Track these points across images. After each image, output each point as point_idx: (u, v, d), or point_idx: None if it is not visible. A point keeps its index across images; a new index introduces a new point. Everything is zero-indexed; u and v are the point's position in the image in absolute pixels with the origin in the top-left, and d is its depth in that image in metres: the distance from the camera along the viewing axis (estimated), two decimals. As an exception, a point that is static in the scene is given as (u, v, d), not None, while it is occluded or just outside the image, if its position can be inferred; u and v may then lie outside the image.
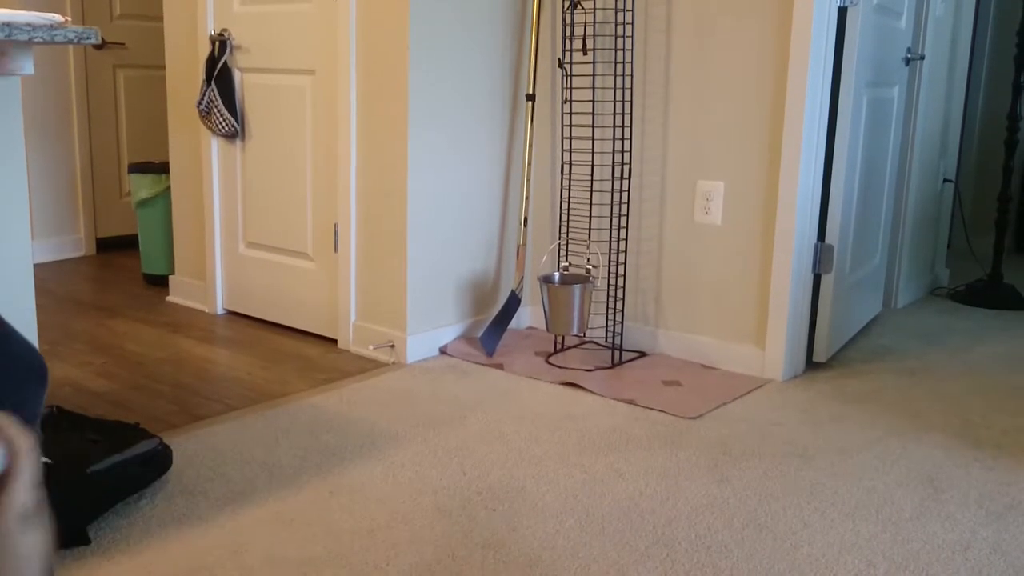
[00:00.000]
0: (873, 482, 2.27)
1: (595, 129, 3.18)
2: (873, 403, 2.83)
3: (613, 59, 3.11)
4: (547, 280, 3.18)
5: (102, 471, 1.98)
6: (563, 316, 3.09)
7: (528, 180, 3.39)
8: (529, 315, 3.58)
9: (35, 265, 2.37)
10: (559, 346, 3.28)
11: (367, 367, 3.09)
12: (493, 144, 3.36)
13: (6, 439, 0.73)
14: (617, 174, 3.16)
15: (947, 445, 2.51)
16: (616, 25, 3.09)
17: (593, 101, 3.15)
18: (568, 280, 3.18)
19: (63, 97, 4.54)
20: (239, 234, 3.60)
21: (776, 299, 2.98)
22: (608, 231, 3.17)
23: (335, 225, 3.27)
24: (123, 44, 4.75)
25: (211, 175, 3.63)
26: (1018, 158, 4.26)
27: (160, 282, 4.07)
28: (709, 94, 3.05)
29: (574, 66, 3.20)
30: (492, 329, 3.24)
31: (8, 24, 1.95)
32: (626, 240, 3.22)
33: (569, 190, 3.27)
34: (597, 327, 3.23)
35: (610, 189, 3.16)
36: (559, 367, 3.08)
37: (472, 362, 3.13)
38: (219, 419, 2.59)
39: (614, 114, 3.10)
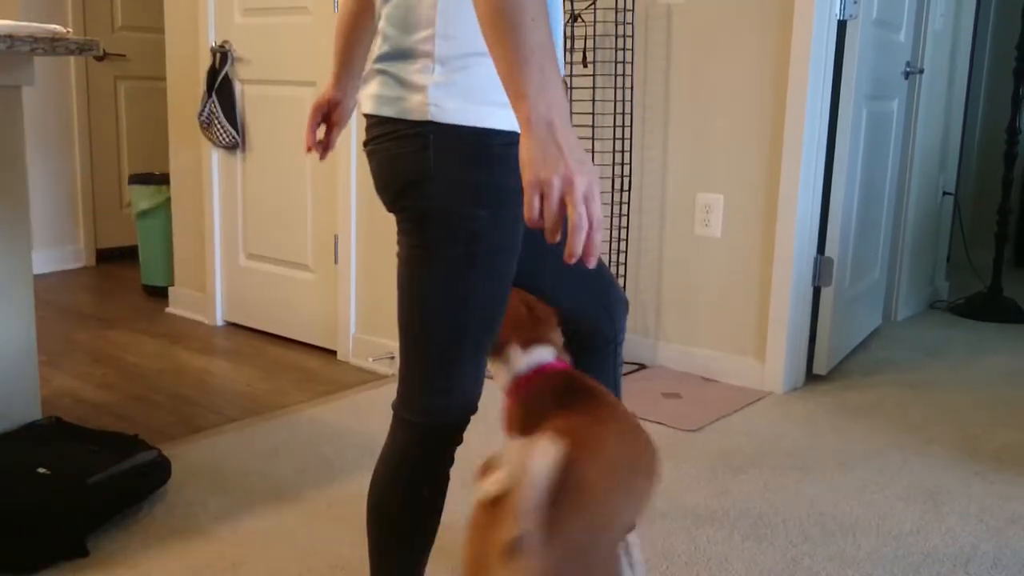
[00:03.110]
0: (873, 495, 2.26)
1: (595, 141, 3.19)
2: (873, 416, 2.82)
3: (613, 72, 3.12)
4: (547, 292, 3.17)
5: (101, 482, 1.98)
6: (563, 328, 3.09)
7: (528, 192, 3.39)
8: (529, 327, 3.57)
9: (35, 276, 2.37)
10: (559, 358, 3.27)
11: (367, 379, 3.09)
12: (493, 156, 3.36)
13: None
14: (617, 186, 3.16)
15: (947, 458, 2.51)
16: (616, 38, 3.10)
17: (593, 114, 3.15)
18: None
19: (64, 108, 4.55)
20: (239, 246, 3.60)
21: (776, 312, 2.98)
22: (608, 243, 3.17)
23: (335, 237, 3.27)
24: (124, 56, 4.76)
25: (211, 186, 3.63)
26: (1017, 171, 4.27)
27: (160, 293, 4.07)
28: (709, 107, 3.06)
29: (574, 79, 3.20)
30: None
31: (10, 36, 1.96)
32: (626, 252, 3.22)
33: (569, 202, 3.27)
34: (597, 339, 3.23)
35: (610, 201, 3.17)
36: (559, 379, 3.08)
37: (472, 374, 3.12)
38: (218, 431, 2.59)
39: (614, 126, 3.11)
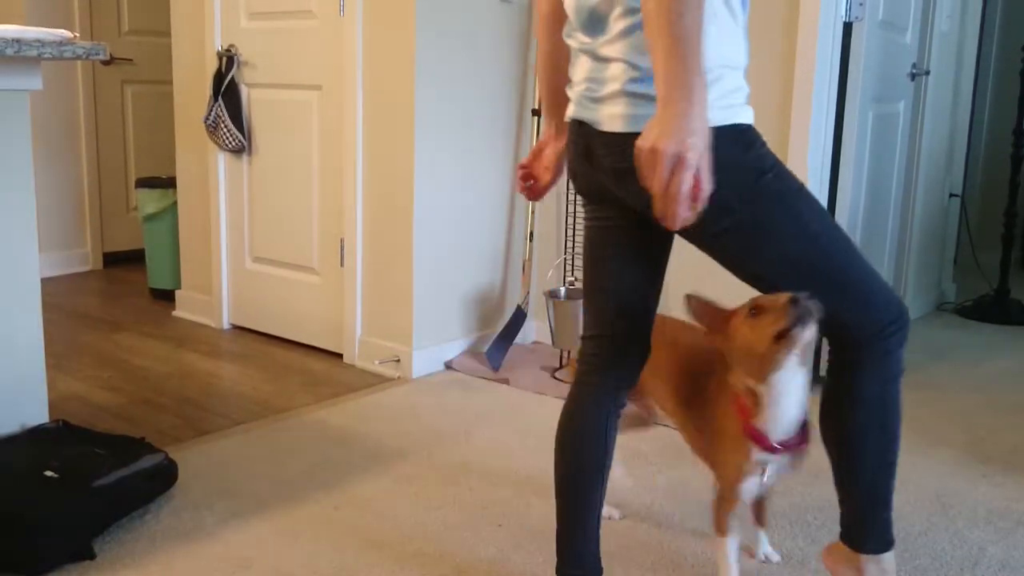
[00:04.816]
0: (880, 498, 2.25)
1: (601, 144, 3.19)
2: (880, 418, 2.81)
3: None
4: (553, 295, 3.17)
5: (108, 485, 1.98)
6: (569, 331, 3.09)
7: (534, 195, 3.39)
8: (535, 330, 3.57)
9: (42, 279, 2.38)
10: (565, 361, 3.28)
11: (373, 382, 3.09)
12: (499, 159, 3.37)
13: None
14: (623, 189, 3.16)
15: (955, 461, 2.50)
16: (622, 41, 3.10)
17: (599, 116, 3.15)
18: (574, 295, 3.18)
19: (71, 112, 4.57)
20: (245, 249, 3.61)
21: (782, 314, 2.97)
22: (614, 246, 3.17)
23: (341, 240, 3.28)
24: (131, 60, 4.78)
25: (218, 190, 3.64)
26: (1024, 173, 4.26)
27: (167, 296, 4.08)
28: (714, 109, 3.05)
29: (580, 81, 3.20)
30: (498, 344, 3.24)
31: (18, 40, 1.97)
32: (632, 255, 3.22)
33: (575, 204, 3.28)
34: (603, 342, 3.23)
35: (616, 204, 3.16)
36: (565, 382, 3.08)
37: (478, 377, 3.13)
38: (224, 434, 2.59)
39: (620, 129, 3.11)
